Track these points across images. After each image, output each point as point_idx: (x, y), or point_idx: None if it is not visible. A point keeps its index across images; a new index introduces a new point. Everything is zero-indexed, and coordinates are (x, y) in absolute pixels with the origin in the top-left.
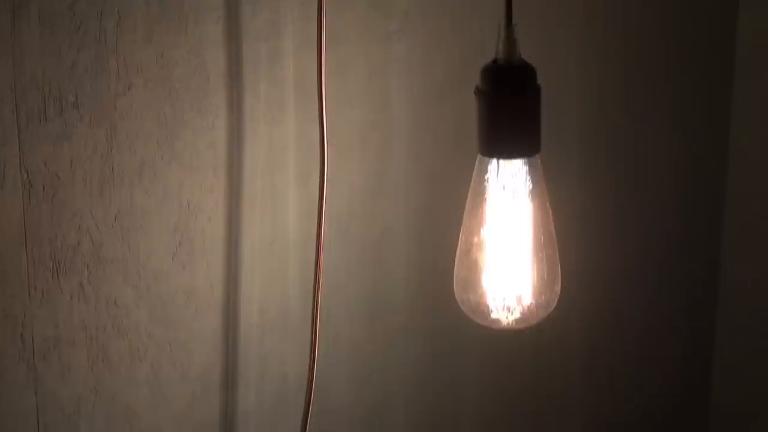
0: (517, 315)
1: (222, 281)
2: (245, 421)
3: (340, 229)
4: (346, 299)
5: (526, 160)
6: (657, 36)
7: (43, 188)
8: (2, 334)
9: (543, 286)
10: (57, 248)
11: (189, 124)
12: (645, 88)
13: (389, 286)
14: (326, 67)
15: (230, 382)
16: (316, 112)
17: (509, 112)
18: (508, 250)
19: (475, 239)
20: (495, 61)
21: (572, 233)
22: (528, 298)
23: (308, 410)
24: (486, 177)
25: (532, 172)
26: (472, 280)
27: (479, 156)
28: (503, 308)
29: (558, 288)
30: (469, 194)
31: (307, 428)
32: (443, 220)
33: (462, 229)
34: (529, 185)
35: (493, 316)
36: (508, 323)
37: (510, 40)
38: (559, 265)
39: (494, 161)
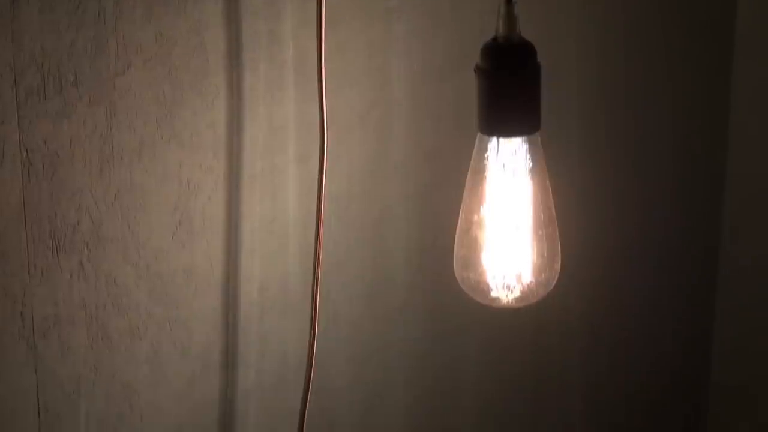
0: (517, 293)
1: (222, 260)
2: (245, 400)
3: (340, 208)
4: (346, 278)
5: (525, 138)
6: (657, 15)
7: (43, 167)
8: (2, 313)
9: (543, 265)
10: (57, 227)
11: (188, 103)
12: (645, 66)
13: (389, 265)
14: (326, 47)
15: (230, 360)
16: (316, 92)
17: (509, 90)
18: (508, 228)
19: (475, 217)
20: (495, 39)
21: (572, 211)
22: (528, 277)
23: (308, 388)
24: (486, 155)
25: (532, 150)
26: (472, 259)
27: (479, 134)
28: (503, 287)
29: (558, 266)
30: (468, 173)
31: (307, 406)
32: (443, 198)
33: (462, 207)
34: (529, 163)
35: (493, 294)
36: (508, 301)
37: (510, 18)
38: (559, 244)
39: (494, 139)
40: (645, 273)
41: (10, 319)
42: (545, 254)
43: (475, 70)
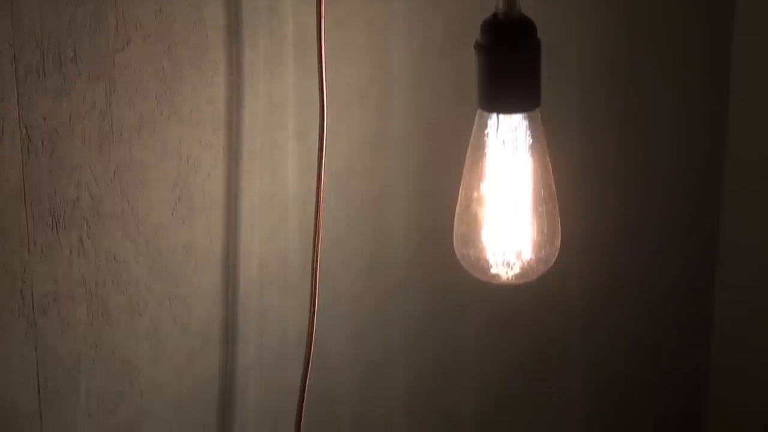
0: (516, 270)
1: (221, 236)
2: (245, 376)
3: (340, 184)
4: (346, 255)
5: (526, 114)
6: None
7: (42, 143)
8: (2, 290)
9: (543, 241)
10: (56, 203)
11: (188, 79)
12: (646, 43)
13: (389, 242)
14: (326, 23)
15: (230, 337)
16: (316, 68)
17: (509, 66)
18: (508, 204)
19: (475, 194)
20: (495, 15)
21: (572, 188)
22: (528, 253)
23: (308, 365)
24: (486, 132)
25: (532, 126)
26: (472, 235)
27: (479, 111)
28: (503, 263)
29: (558, 243)
30: (468, 149)
31: (307, 383)
32: (443, 175)
33: (462, 184)
34: (529, 140)
35: (493, 271)
36: (507, 278)
37: None
38: (559, 220)
39: (494, 116)
40: (645, 250)
41: (9, 296)
42: (545, 231)
43: (474, 47)
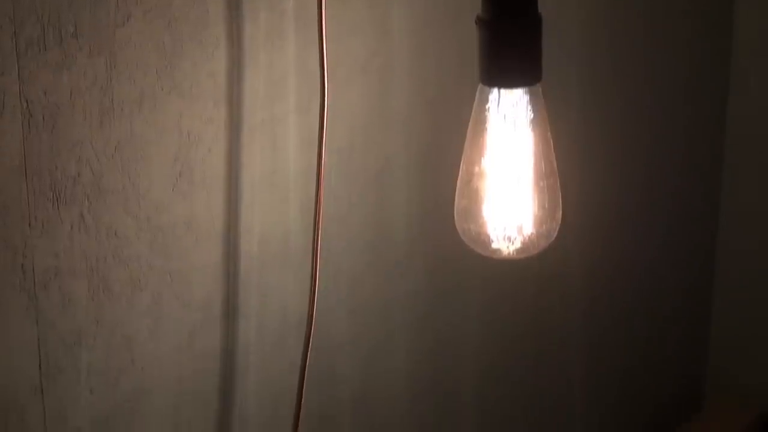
0: (518, 245)
1: (222, 212)
2: (246, 353)
3: (341, 160)
4: (347, 232)
5: (527, 89)
6: None
7: (43, 118)
8: (2, 265)
9: (544, 216)
10: (57, 179)
11: (189, 54)
12: (647, 16)
13: (390, 218)
14: None
15: (231, 313)
16: (316, 42)
17: (510, 40)
18: (509, 179)
19: (476, 169)
20: None
21: (573, 163)
22: (529, 228)
23: (308, 343)
24: (487, 107)
25: (533, 101)
26: (473, 210)
27: (480, 85)
28: (504, 238)
29: (559, 217)
30: (469, 124)
31: (307, 362)
32: (444, 150)
33: (463, 158)
34: (530, 114)
35: (494, 246)
36: (509, 253)
37: None
38: (560, 195)
39: (495, 91)
40: (646, 223)
41: (10, 271)
42: (546, 205)
43: (476, 21)
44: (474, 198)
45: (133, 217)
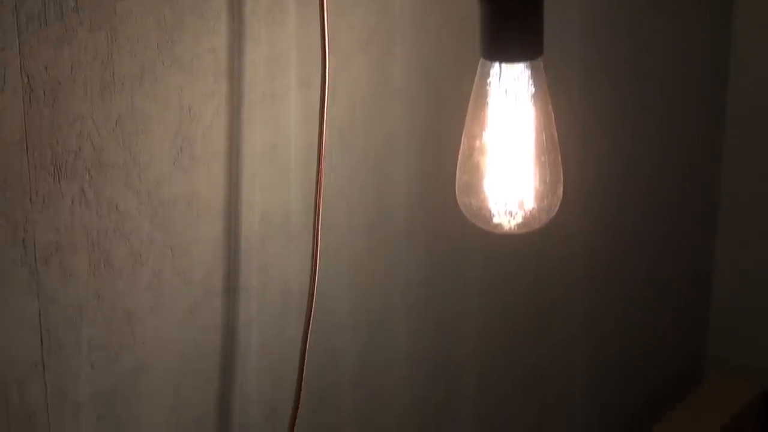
0: (519, 219)
1: (223, 187)
2: (247, 328)
3: (342, 135)
4: (348, 207)
5: (528, 63)
6: None
7: (44, 93)
8: (4, 239)
9: (545, 191)
10: (58, 153)
11: (189, 28)
12: None
13: (391, 193)
14: None
15: (231, 289)
16: (317, 16)
17: (511, 14)
18: (510, 154)
19: (477, 144)
20: None
21: (575, 138)
22: (530, 203)
23: (309, 319)
24: (488, 81)
25: (535, 75)
26: (474, 185)
27: (481, 60)
28: (505, 213)
29: (560, 192)
30: (471, 98)
31: (308, 335)
32: (445, 125)
33: (464, 133)
34: (531, 89)
35: (495, 220)
36: (510, 228)
37: None
38: (562, 170)
39: (496, 65)
40: (647, 200)
41: (11, 245)
42: (548, 180)
43: None
44: (475, 173)
45: (134, 191)
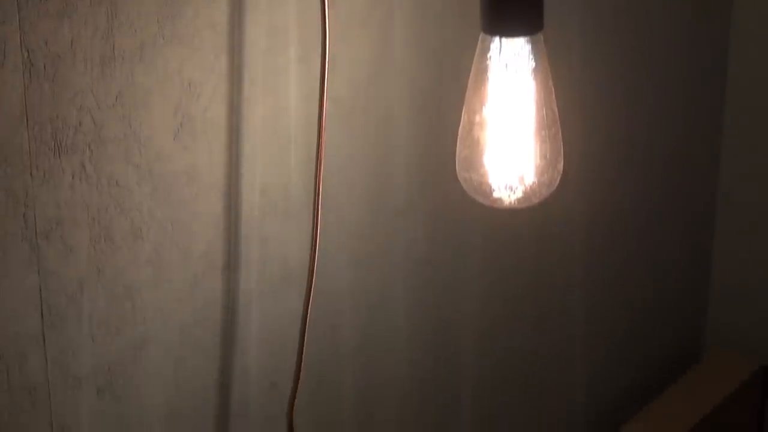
0: (519, 194)
1: (223, 162)
2: (247, 303)
3: (342, 110)
4: (348, 182)
5: (529, 38)
6: None
7: (44, 67)
8: (4, 214)
9: (545, 165)
10: (58, 128)
11: (190, 2)
12: None
13: (391, 168)
14: None
15: (231, 263)
16: None
17: None
18: (511, 128)
19: (477, 118)
20: None
21: (575, 112)
22: (530, 177)
23: (309, 294)
24: (488, 55)
25: (535, 50)
26: (475, 159)
27: (482, 34)
28: (506, 187)
29: (561, 167)
30: (471, 73)
31: (309, 310)
32: (446, 99)
33: (464, 108)
34: (531, 64)
35: (496, 195)
36: (510, 203)
37: None
38: (562, 144)
39: (497, 39)
40: (647, 173)
41: (12, 220)
42: (548, 155)
43: None
44: (475, 147)
45: (134, 166)
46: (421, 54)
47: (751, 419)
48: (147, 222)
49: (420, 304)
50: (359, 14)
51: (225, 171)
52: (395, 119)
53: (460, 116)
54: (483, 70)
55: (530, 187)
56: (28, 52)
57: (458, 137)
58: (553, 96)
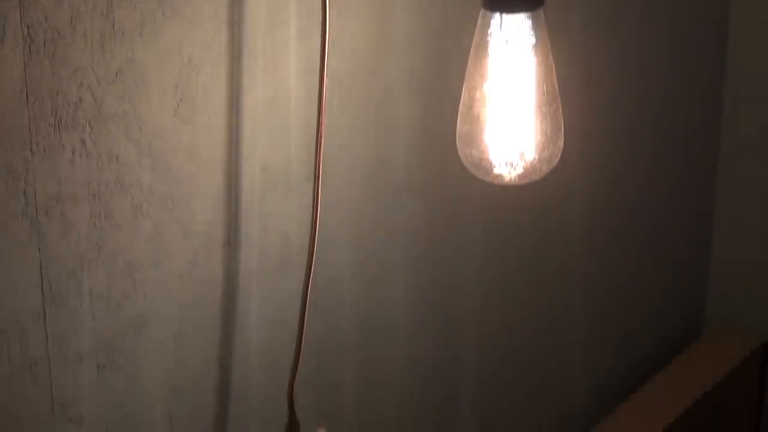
0: (519, 170)
1: (223, 139)
2: (247, 279)
3: (342, 87)
4: (348, 159)
5: (529, 13)
6: None
7: (44, 44)
8: (5, 191)
9: (546, 142)
10: (58, 104)
11: None
12: None
13: (391, 144)
14: None
15: (232, 241)
16: None
17: None
18: (511, 105)
19: (478, 94)
20: None
21: (575, 88)
22: (531, 154)
23: (310, 271)
24: (489, 32)
25: (536, 26)
26: (475, 136)
27: (482, 10)
28: (506, 163)
29: (561, 143)
30: (471, 49)
31: (309, 287)
32: (446, 76)
33: (465, 84)
34: (532, 39)
35: (496, 171)
36: (510, 179)
37: None
38: (562, 121)
39: (497, 15)
40: (648, 151)
41: (13, 196)
42: (548, 131)
43: None
44: (476, 124)
45: (134, 143)
46: (422, 30)
47: (752, 396)
48: (147, 198)
49: (419, 278)
50: None
51: (225, 148)
52: (396, 96)
53: (461, 93)
54: (483, 46)
55: (530, 163)
56: (27, 28)
57: (458, 113)
58: (554, 72)
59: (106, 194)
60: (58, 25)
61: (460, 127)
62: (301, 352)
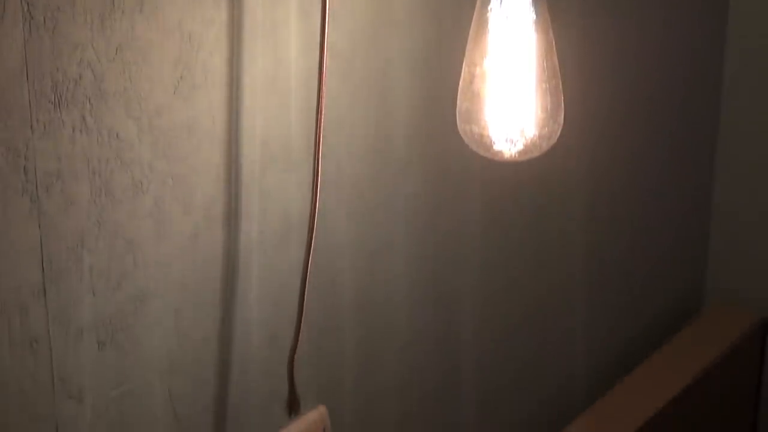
0: (520, 147)
1: (223, 115)
2: (248, 255)
3: (342, 63)
4: (348, 135)
5: None
6: None
7: (44, 20)
8: (5, 167)
9: (546, 118)
10: (58, 81)
11: None
12: None
13: (391, 121)
14: None
15: (232, 217)
16: None
17: None
18: (511, 81)
19: (478, 70)
20: None
21: (576, 64)
22: (531, 130)
23: (310, 247)
24: (489, 7)
25: (536, 2)
26: (475, 112)
27: None
28: (506, 140)
29: (561, 120)
30: (472, 25)
31: (309, 262)
32: (446, 51)
33: (465, 60)
34: (532, 15)
35: (496, 147)
36: (511, 155)
37: None
38: (563, 97)
39: None
40: (648, 126)
41: (13, 173)
42: (548, 107)
43: None
44: (476, 100)
45: (135, 119)
46: (422, 6)
47: (751, 371)
48: (147, 175)
49: (419, 254)
50: None
51: (225, 123)
52: (396, 72)
53: (461, 69)
54: (484, 22)
55: (531, 139)
56: (27, 4)
57: (459, 90)
58: (554, 48)
59: (106, 171)
60: (58, 1)
61: (461, 103)
62: (301, 328)
